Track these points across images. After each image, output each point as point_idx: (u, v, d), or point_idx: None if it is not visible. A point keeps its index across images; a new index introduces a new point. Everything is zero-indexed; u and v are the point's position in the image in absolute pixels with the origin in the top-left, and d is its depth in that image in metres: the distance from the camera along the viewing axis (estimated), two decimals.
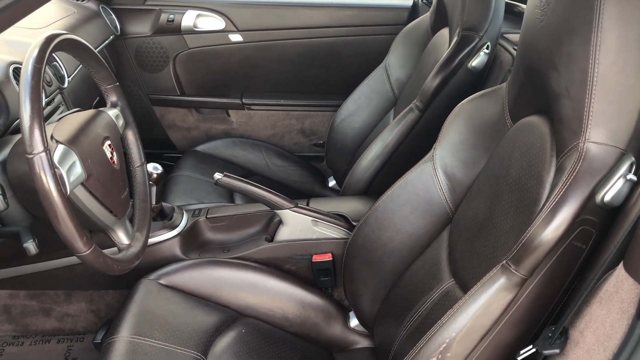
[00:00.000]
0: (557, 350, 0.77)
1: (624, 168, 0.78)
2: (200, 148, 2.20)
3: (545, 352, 0.77)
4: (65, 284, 1.49)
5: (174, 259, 1.43)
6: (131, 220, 1.14)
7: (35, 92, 0.83)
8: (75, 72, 1.71)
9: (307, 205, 1.51)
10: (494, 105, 1.13)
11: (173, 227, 1.46)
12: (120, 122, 1.11)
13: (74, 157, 0.90)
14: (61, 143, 0.91)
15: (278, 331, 1.37)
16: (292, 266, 1.46)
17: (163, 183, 1.40)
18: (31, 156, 0.82)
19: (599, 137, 0.78)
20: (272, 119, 2.35)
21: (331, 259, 1.43)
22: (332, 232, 1.45)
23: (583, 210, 0.80)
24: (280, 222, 1.46)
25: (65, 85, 1.51)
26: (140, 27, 2.24)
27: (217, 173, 1.39)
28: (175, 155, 2.35)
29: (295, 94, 2.34)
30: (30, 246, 1.05)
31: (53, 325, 1.55)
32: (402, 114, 1.60)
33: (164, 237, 1.44)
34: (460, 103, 1.21)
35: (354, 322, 1.41)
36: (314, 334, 1.40)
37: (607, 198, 0.78)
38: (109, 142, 1.01)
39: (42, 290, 1.50)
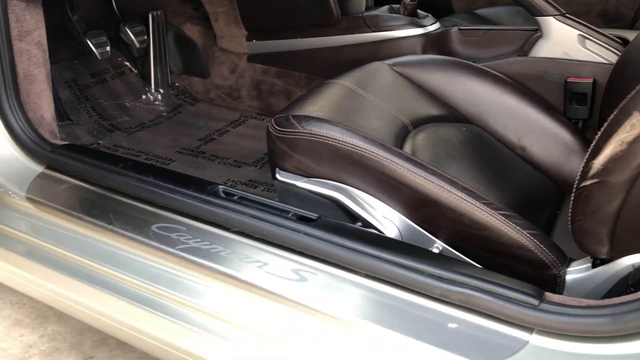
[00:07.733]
0: None
1: None
2: None
3: None
4: (307, 67, 1.55)
5: None
6: None
7: None
8: None
9: None
10: None
11: (420, 26, 1.37)
12: None
13: None
14: None
15: (506, 149, 1.20)
16: (541, 88, 1.25)
17: None
18: None
19: None
20: None
21: (591, 82, 1.17)
22: (603, 54, 1.19)
23: None
24: (540, 35, 1.25)
25: None
26: None
27: None
28: None
29: None
30: None
31: None
32: None
33: (409, 32, 1.37)
34: None
35: None
36: (547, 166, 1.19)
37: None
38: None
39: (288, 71, 1.59)
